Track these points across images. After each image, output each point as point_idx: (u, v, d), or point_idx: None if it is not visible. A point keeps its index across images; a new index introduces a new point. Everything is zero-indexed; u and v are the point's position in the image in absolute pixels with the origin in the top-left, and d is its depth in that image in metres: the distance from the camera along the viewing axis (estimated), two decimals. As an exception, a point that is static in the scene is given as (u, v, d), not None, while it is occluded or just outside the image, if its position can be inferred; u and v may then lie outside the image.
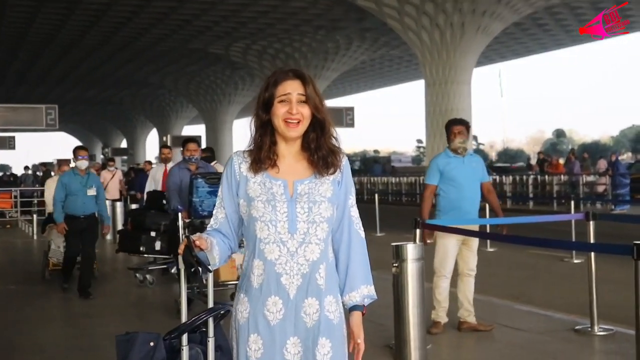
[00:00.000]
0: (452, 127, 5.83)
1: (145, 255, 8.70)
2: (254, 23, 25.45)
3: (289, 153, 2.25)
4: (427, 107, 22.91)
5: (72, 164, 8.74)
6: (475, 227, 5.98)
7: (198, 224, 6.50)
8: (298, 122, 2.19)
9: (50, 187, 9.69)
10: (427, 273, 5.60)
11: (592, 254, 5.88)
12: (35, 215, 16.39)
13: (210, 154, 10.46)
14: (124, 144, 57.09)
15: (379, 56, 31.97)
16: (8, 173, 40.19)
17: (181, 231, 6.36)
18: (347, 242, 2.28)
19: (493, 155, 63.83)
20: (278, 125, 2.20)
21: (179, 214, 6.48)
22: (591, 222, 5.92)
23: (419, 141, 66.10)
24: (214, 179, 6.55)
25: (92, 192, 8.01)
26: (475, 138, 53.19)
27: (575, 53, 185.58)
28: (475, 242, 5.86)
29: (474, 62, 22.79)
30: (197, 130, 47.68)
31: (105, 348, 5.63)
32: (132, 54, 30.57)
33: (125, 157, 49.48)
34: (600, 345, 5.49)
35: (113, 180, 15.79)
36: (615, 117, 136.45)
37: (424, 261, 5.14)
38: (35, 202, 19.61)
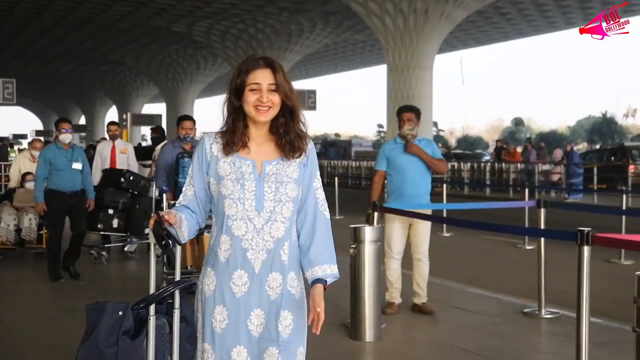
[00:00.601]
0: (402, 114, 5.94)
1: (102, 233, 8.64)
2: (217, 3, 25.14)
3: (259, 135, 2.35)
4: (389, 92, 22.91)
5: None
6: (427, 212, 6.06)
7: None
8: (268, 108, 2.30)
9: (19, 162, 9.41)
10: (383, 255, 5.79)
11: (542, 239, 6.05)
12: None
13: (159, 135, 10.06)
14: (82, 121, 55.96)
15: (342, 40, 31.92)
16: None
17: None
18: (311, 221, 2.38)
19: (453, 142, 64.52)
20: (249, 111, 2.31)
21: (164, 195, 6.05)
22: (542, 210, 6.07)
23: (380, 126, 66.40)
24: None
25: (77, 165, 7.47)
26: (435, 124, 53.64)
27: (536, 43, 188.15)
28: (421, 226, 5.92)
29: (436, 49, 22.85)
30: (158, 108, 46.92)
31: (65, 321, 5.69)
32: (93, 30, 29.96)
33: (83, 134, 48.55)
34: (547, 327, 5.69)
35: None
36: (572, 108, 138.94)
37: (381, 243, 5.28)
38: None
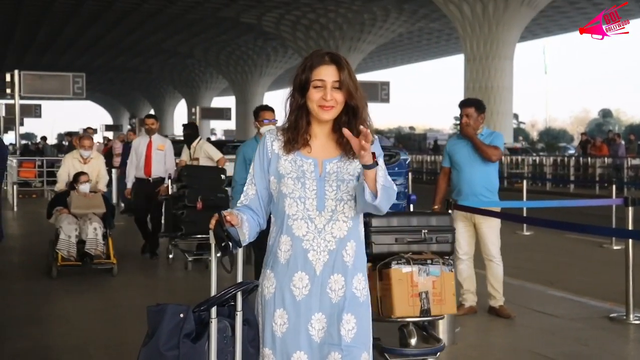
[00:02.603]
0: (461, 109, 5.82)
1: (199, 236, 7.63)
2: (287, -9, 24.95)
3: (321, 133, 2.33)
4: (466, 83, 22.44)
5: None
6: (496, 210, 5.88)
7: None
8: (332, 107, 2.28)
9: (68, 164, 8.09)
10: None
11: (630, 240, 5.76)
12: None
13: (190, 131, 9.04)
14: (151, 115, 56.96)
15: (417, 29, 31.24)
16: (36, 142, 39.74)
17: None
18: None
19: (534, 135, 62.26)
20: (312, 109, 2.29)
21: None
22: (630, 208, 5.80)
23: (457, 119, 64.95)
24: (384, 157, 4.81)
25: None
26: (515, 116, 52.02)
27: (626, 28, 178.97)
28: (485, 226, 5.75)
29: (517, 37, 22.11)
30: (227, 102, 47.43)
31: (130, 320, 5.55)
32: (162, 22, 30.26)
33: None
34: (635, 333, 5.39)
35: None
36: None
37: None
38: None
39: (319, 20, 28.33)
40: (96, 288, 6.97)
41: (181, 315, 2.32)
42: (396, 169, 4.09)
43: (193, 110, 26.97)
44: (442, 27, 29.68)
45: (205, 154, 8.71)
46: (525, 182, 12.92)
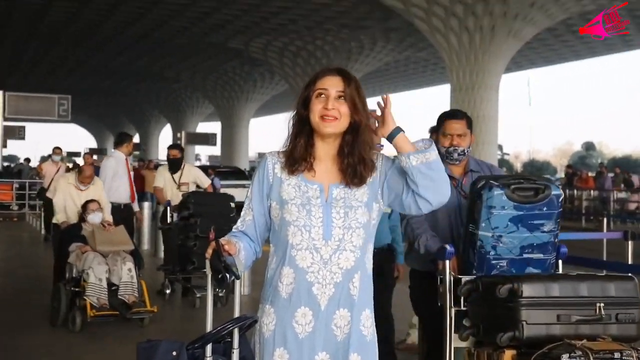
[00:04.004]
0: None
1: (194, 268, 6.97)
2: (275, 18, 24.82)
3: (326, 155, 2.19)
4: (452, 113, 21.99)
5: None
6: None
7: (487, 287, 3.03)
8: (334, 119, 2.12)
9: (63, 190, 7.17)
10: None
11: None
12: (43, 210, 14.85)
13: (181, 154, 8.43)
14: (136, 139, 56.23)
15: (404, 58, 31.22)
16: (20, 164, 38.99)
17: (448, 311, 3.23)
18: None
19: (518, 166, 62.42)
20: (314, 121, 2.14)
21: (446, 262, 3.25)
22: (629, 242, 5.74)
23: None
24: (527, 191, 3.10)
25: None
26: (500, 147, 52.14)
27: (608, 62, 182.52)
28: None
29: (503, 67, 22.11)
30: (213, 127, 47.13)
31: (116, 356, 5.33)
32: (149, 46, 29.98)
33: (137, 152, 49.32)
34: None
35: (59, 175, 11.07)
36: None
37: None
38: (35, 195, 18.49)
39: (306, 47, 28.22)
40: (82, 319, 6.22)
41: (174, 353, 2.23)
42: (544, 209, 2.93)
43: (178, 135, 26.67)
44: (429, 56, 29.69)
45: (194, 178, 8.18)
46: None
